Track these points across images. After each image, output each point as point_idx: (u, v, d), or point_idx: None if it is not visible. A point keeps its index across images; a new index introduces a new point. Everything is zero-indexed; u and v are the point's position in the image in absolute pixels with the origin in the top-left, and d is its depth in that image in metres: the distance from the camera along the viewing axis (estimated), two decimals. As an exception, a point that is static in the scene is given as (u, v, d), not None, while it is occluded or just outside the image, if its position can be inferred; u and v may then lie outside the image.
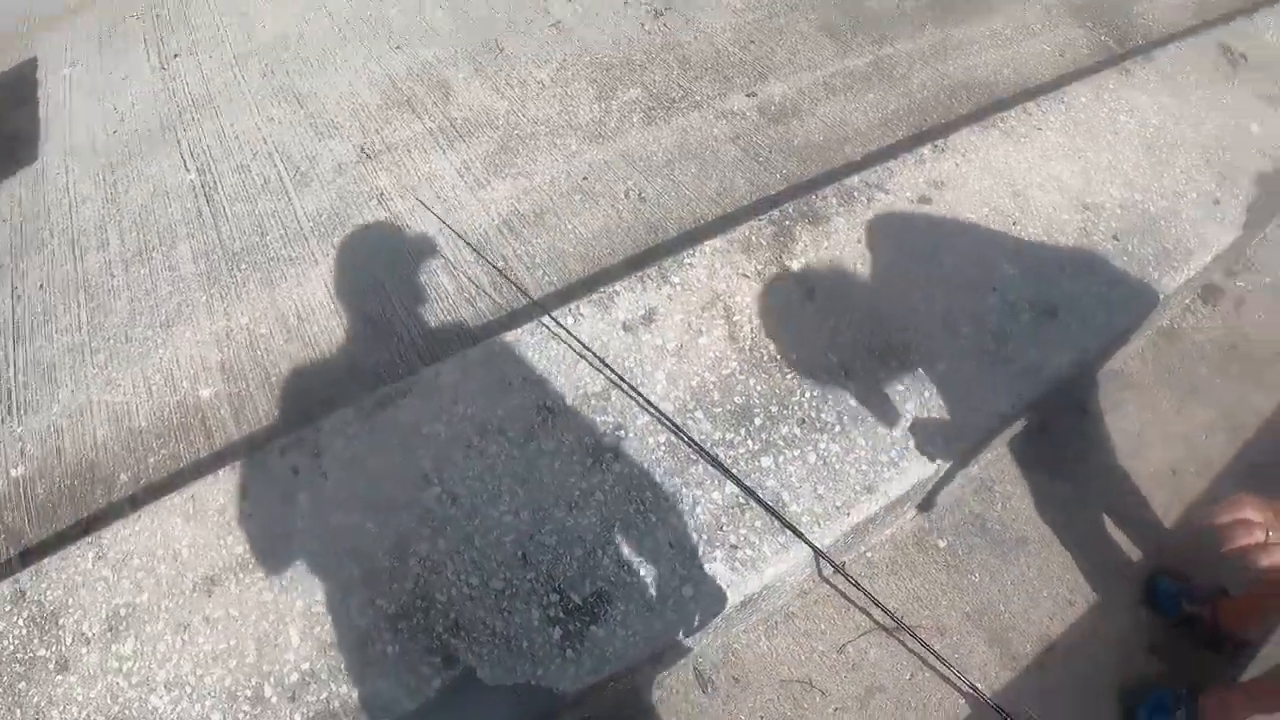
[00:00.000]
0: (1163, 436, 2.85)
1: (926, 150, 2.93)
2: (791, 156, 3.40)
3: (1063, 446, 2.74)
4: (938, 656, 2.02)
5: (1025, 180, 2.88)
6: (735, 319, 2.35)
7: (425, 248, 3.07)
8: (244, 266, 3.12)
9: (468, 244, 3.01)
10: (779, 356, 2.31)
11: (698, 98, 3.66)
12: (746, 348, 2.30)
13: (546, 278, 2.94)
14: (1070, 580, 2.48)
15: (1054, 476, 2.67)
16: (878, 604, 2.07)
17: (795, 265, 2.49)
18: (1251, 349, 3.18)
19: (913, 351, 2.35)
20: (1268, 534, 1.29)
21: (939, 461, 2.18)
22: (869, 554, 2.44)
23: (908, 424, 2.22)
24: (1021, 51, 4.22)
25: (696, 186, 3.26)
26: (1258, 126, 3.52)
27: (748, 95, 3.67)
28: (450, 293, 2.93)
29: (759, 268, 2.48)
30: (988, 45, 4.20)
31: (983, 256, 2.61)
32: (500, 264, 2.95)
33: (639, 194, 3.21)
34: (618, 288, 2.42)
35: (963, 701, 2.25)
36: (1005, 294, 2.51)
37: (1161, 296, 2.65)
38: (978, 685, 2.23)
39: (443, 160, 3.41)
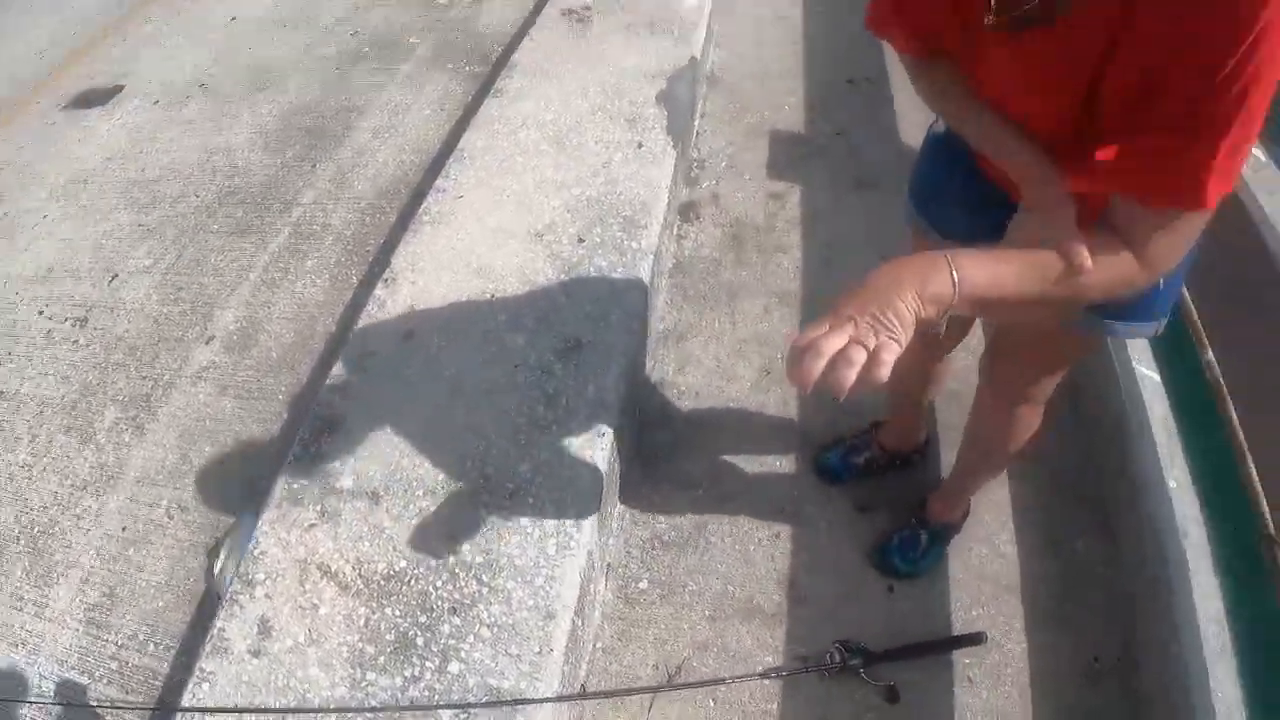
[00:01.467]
0: (737, 352, 3.02)
1: (379, 290, 2.93)
2: (278, 373, 3.35)
3: (666, 428, 2.84)
4: (718, 681, 2.06)
5: (478, 250, 2.97)
6: (334, 569, 2.28)
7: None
8: None
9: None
10: (392, 571, 2.26)
11: (167, 378, 3.50)
12: (361, 587, 2.24)
13: (161, 646, 2.74)
14: (761, 518, 2.61)
15: (682, 454, 2.76)
16: (639, 690, 2.08)
17: (346, 483, 2.45)
18: (748, 227, 3.42)
19: (494, 479, 2.38)
20: (867, 337, 1.02)
21: (579, 542, 2.20)
22: (599, 644, 2.43)
23: (536, 538, 2.21)
24: (409, 130, 4.36)
25: (221, 463, 3.13)
26: (632, 58, 3.76)
27: (207, 343, 3.56)
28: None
29: (318, 509, 2.41)
30: (377, 146, 4.31)
31: (490, 347, 2.67)
32: (114, 665, 2.71)
33: (179, 506, 3.05)
34: (220, 622, 2.27)
35: (772, 684, 2.31)
36: (529, 363, 2.59)
37: (651, 253, 2.77)
38: (770, 671, 2.31)
39: None
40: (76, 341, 3.81)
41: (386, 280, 2.92)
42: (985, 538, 2.57)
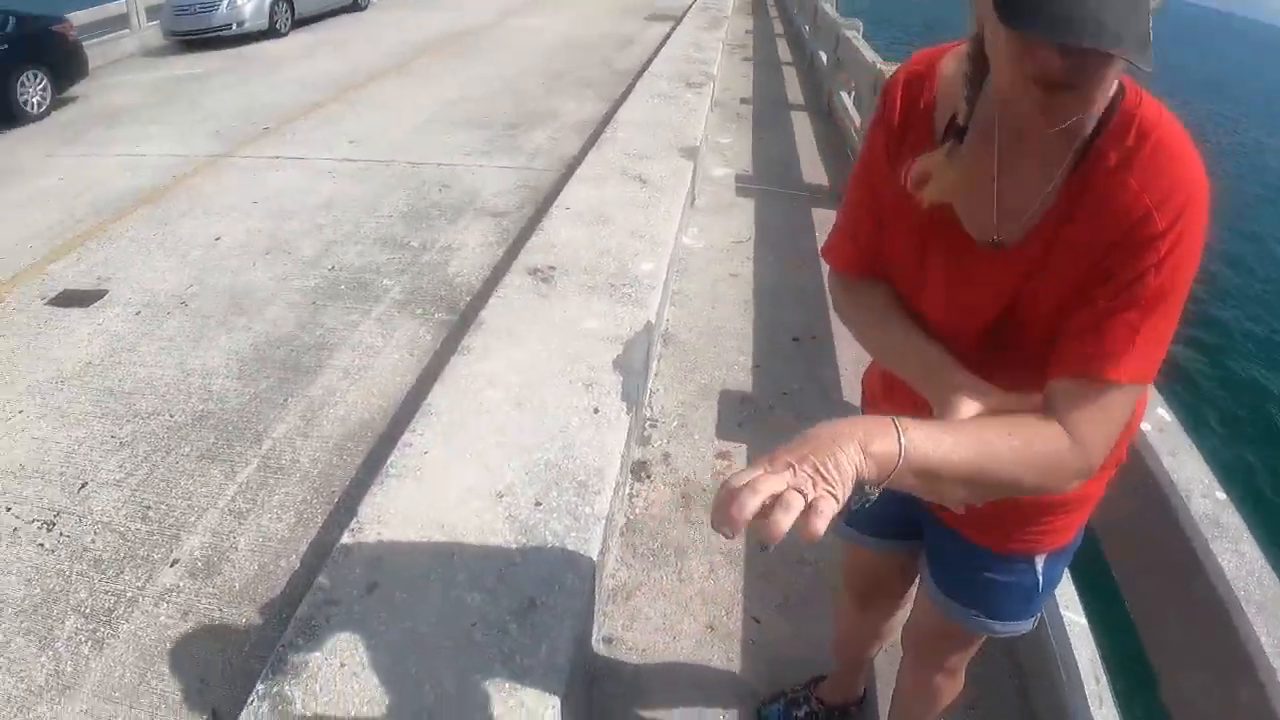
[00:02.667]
0: (683, 609, 3.22)
1: (346, 539, 3.12)
2: (241, 605, 3.54)
3: (616, 681, 3.01)
4: None
5: (441, 507, 3.18)
6: None
7: None
8: None
9: None
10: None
11: (130, 594, 3.66)
12: None
13: None
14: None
15: (629, 707, 2.93)
16: None
17: None
18: (696, 486, 3.67)
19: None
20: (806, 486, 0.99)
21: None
22: None
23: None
24: (377, 373, 4.62)
25: (178, 688, 3.26)
26: (592, 321, 4.06)
27: (172, 565, 3.76)
28: None
29: None
30: (347, 386, 4.56)
31: (450, 604, 2.84)
32: None
33: None
34: None
35: None
36: (487, 620, 2.75)
37: (602, 518, 3.00)
38: None
39: None
40: (43, 545, 3.97)
41: (353, 530, 3.12)
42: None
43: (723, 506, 0.99)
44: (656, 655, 3.12)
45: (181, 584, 3.63)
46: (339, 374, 4.77)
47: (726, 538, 1.02)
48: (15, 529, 4.06)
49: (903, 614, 2.35)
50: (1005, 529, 1.65)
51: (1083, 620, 2.78)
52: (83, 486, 4.24)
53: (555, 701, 2.57)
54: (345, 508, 3.83)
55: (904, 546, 2.03)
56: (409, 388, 4.58)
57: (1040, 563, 1.69)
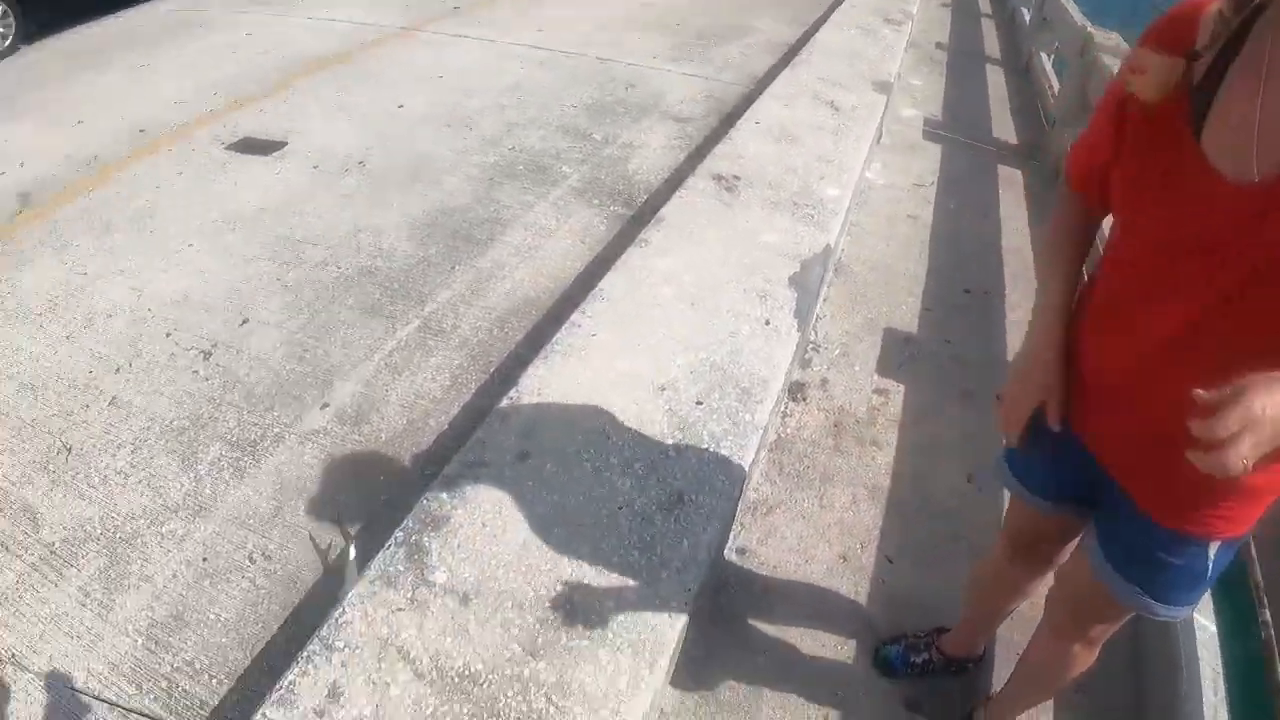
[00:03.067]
0: (819, 534, 3.12)
1: (504, 405, 3.10)
2: (385, 456, 3.51)
3: (742, 592, 2.94)
4: None
5: (602, 390, 3.11)
6: (412, 655, 2.39)
7: (80, 708, 2.84)
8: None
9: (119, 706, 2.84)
10: (467, 671, 2.36)
11: (277, 430, 3.68)
12: (435, 678, 2.34)
13: (215, 680, 2.84)
14: (815, 697, 2.68)
15: (752, 621, 2.86)
16: None
17: (439, 577, 2.56)
18: (850, 417, 3.55)
19: (580, 608, 2.48)
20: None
21: (648, 684, 2.30)
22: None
23: (609, 672, 2.31)
24: (549, 255, 4.55)
25: (314, 524, 3.27)
26: (772, 235, 3.95)
27: (322, 408, 3.76)
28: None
29: (409, 595, 2.53)
30: (516, 263, 4.50)
31: (599, 484, 2.81)
32: (164, 684, 2.81)
33: (263, 554, 3.18)
34: (291, 676, 2.38)
35: None
36: (633, 507, 2.71)
37: (760, 429, 2.92)
38: None
39: (60, 594, 3.17)
40: (197, 372, 4.03)
41: (512, 398, 3.09)
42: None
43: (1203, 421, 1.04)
44: (786, 574, 3.01)
45: (329, 427, 3.62)
46: (509, 250, 4.72)
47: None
48: (173, 354, 4.13)
49: (1047, 579, 2.24)
50: (1187, 508, 1.61)
51: (1213, 627, 2.61)
52: (243, 322, 4.29)
53: (688, 596, 2.49)
54: (501, 379, 3.78)
55: (1076, 513, 1.98)
56: (578, 272, 4.50)
57: (1213, 549, 1.64)
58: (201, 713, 2.75)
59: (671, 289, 3.65)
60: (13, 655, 3.01)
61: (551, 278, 4.43)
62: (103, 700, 2.82)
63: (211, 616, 3.02)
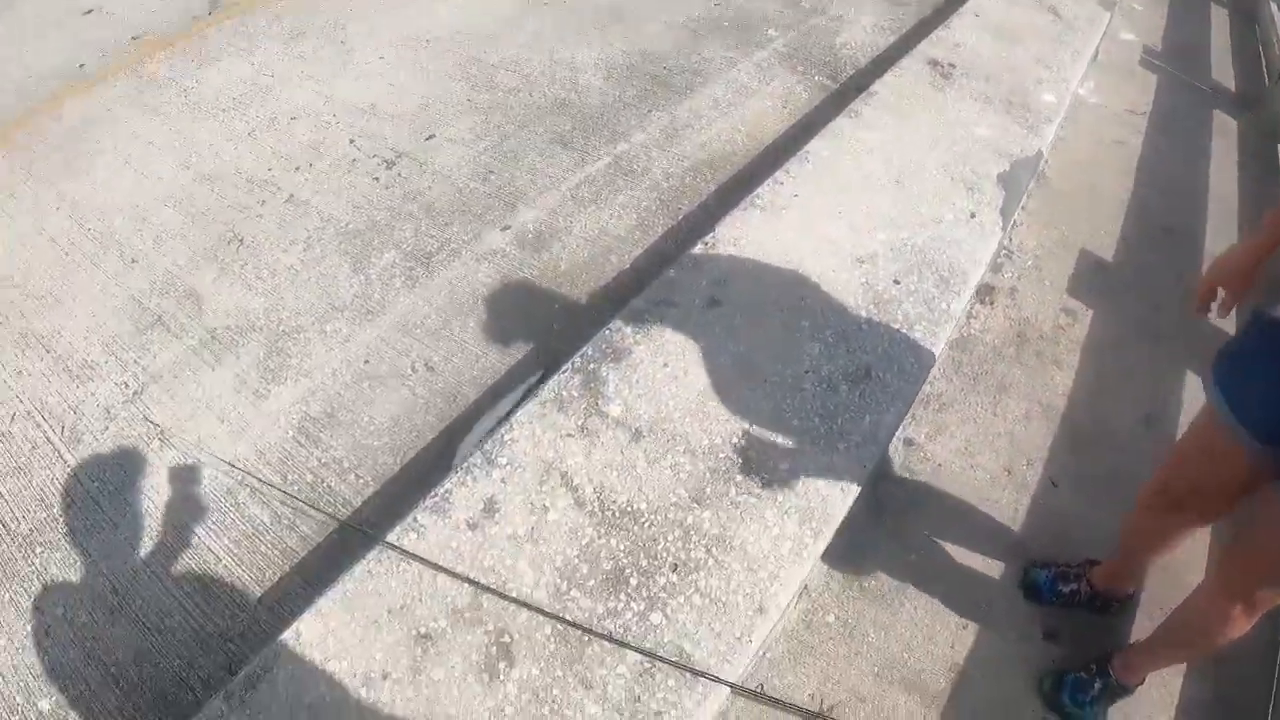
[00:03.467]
0: (988, 442, 2.97)
1: (697, 250, 2.96)
2: (561, 285, 3.38)
3: (903, 486, 2.82)
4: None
5: (799, 251, 2.96)
6: (575, 483, 2.31)
7: (225, 486, 2.85)
8: (39, 549, 2.78)
9: (275, 485, 2.83)
10: (630, 508, 2.28)
11: (454, 245, 3.58)
12: (596, 509, 2.26)
13: (362, 480, 2.78)
14: (956, 605, 2.55)
15: (909, 515, 2.75)
16: (796, 708, 2.08)
17: (614, 410, 2.46)
18: (1035, 331, 3.36)
19: (753, 464, 2.36)
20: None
21: (810, 553, 2.20)
22: (767, 654, 2.44)
23: (774, 534, 2.23)
24: (747, 113, 4.37)
25: (481, 342, 3.18)
26: (983, 129, 3.73)
27: (502, 230, 3.63)
28: (269, 526, 2.73)
29: (580, 422, 2.44)
30: (714, 115, 4.33)
31: (787, 344, 2.65)
32: (310, 479, 2.80)
33: (426, 364, 3.10)
34: (449, 485, 2.34)
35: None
36: (819, 373, 2.57)
37: (955, 320, 2.76)
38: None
39: (215, 378, 3.19)
40: (378, 179, 3.97)
41: (707, 244, 2.95)
42: (1145, 716, 2.48)
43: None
44: (949, 476, 2.86)
45: (507, 249, 3.51)
46: (708, 102, 4.49)
47: None
48: (355, 160, 4.07)
49: (1205, 529, 2.15)
50: None
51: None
52: (429, 138, 4.20)
53: (863, 474, 2.37)
54: (689, 227, 3.57)
55: (1276, 460, 1.73)
56: (778, 134, 4.27)
57: None
58: (344, 510, 2.71)
59: (878, 163, 3.43)
60: (162, 431, 3.05)
61: (749, 136, 4.24)
62: (252, 475, 2.84)
63: (365, 419, 2.97)
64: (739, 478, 2.32)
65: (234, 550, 2.68)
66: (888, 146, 3.54)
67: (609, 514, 2.26)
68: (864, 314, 2.77)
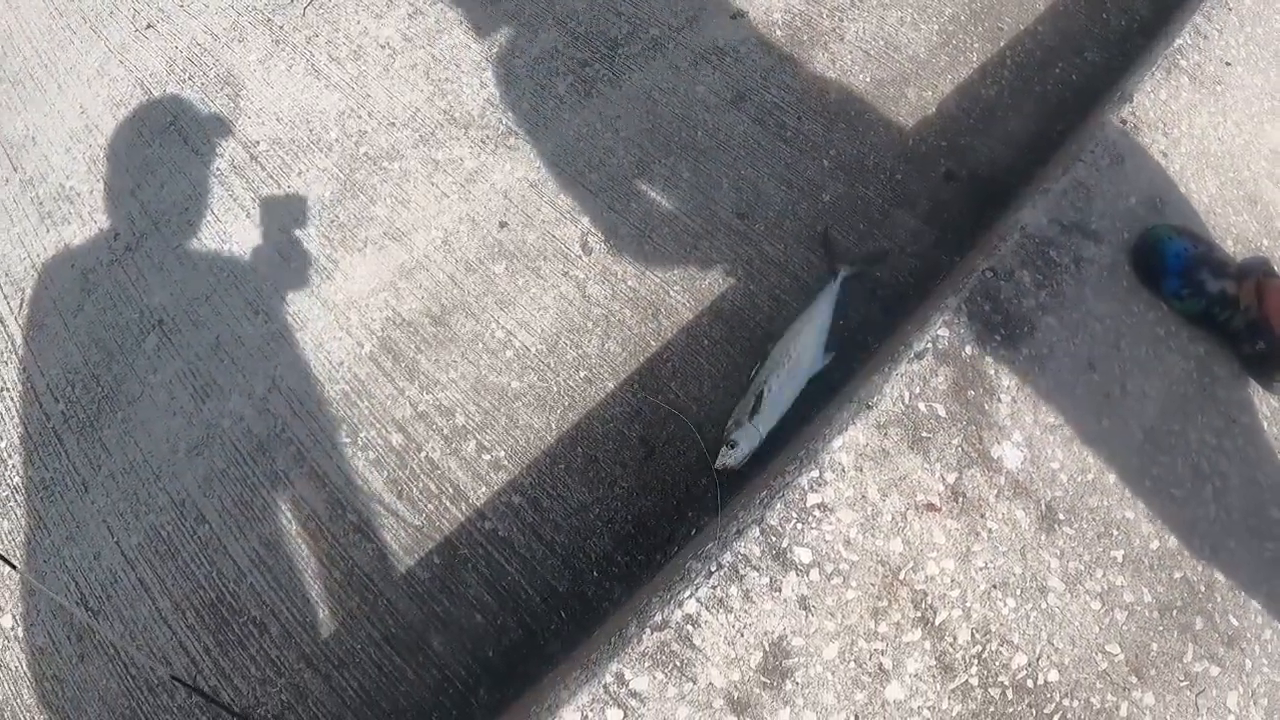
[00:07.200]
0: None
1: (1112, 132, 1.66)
2: (861, 119, 2.01)
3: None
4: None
5: (1248, 157, 1.69)
6: (938, 619, 1.14)
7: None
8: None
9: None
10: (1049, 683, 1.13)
11: (654, 30, 2.22)
12: (976, 683, 1.11)
13: (495, 477, 1.62)
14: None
15: None
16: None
17: (1012, 444, 1.27)
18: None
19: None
20: None
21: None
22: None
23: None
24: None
25: (705, 213, 1.89)
26: None
27: (733, 18, 2.24)
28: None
29: (948, 479, 1.24)
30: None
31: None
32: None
33: (604, 238, 1.87)
34: (685, 595, 1.15)
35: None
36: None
37: None
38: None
39: (253, 233, 2.02)
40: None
41: (1125, 121, 1.69)
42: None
43: None
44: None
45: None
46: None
47: None
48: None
49: None
50: None
51: None
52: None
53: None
54: (1016, 61, 2.20)
55: None
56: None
57: None
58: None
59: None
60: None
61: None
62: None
63: (498, 337, 1.80)
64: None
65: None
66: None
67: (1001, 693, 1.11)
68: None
